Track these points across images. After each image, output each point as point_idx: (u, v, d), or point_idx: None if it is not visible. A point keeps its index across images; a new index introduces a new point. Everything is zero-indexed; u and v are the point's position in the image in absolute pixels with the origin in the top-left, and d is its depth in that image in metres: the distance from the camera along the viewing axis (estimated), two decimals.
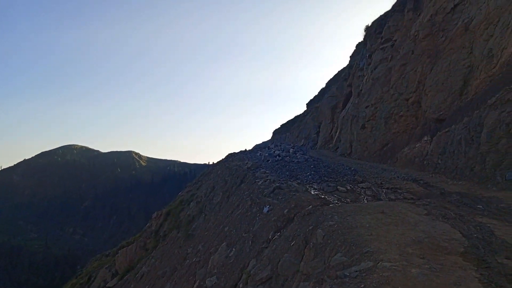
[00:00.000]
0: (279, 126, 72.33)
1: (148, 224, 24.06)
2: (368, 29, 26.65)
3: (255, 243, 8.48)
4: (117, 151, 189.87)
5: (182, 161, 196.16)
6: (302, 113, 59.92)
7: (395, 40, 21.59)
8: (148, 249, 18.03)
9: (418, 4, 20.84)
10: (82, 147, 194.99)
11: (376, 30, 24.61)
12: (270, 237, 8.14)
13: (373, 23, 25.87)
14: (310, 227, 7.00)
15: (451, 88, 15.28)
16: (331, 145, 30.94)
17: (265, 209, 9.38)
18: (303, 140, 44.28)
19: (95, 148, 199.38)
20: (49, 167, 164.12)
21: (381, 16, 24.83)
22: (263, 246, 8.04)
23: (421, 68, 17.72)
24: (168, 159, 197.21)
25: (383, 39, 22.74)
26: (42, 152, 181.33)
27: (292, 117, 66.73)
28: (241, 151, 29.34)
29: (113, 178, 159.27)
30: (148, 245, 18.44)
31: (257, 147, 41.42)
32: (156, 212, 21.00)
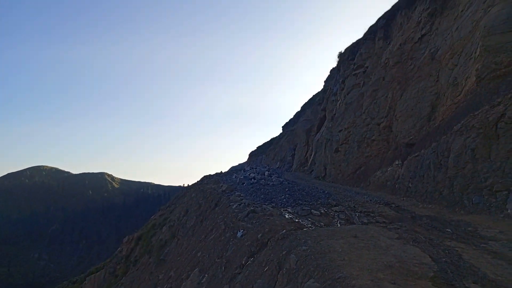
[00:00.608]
0: (256, 148, 72.59)
1: (119, 249, 23.19)
2: (341, 55, 27.54)
3: (228, 268, 8.28)
4: (89, 173, 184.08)
5: (156, 183, 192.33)
6: (278, 136, 60.54)
7: (367, 67, 22.38)
8: (117, 276, 17.27)
9: (388, 33, 21.81)
10: (52, 168, 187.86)
11: (349, 57, 25.46)
12: (243, 262, 7.98)
13: (346, 50, 26.80)
14: (284, 252, 6.92)
15: (420, 114, 15.85)
16: (306, 167, 31.21)
17: (239, 234, 9.23)
18: (278, 162, 44.49)
19: (66, 169, 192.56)
20: (15, 189, 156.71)
21: (353, 43, 25.76)
22: (236, 272, 7.86)
23: (392, 94, 18.36)
24: (142, 181, 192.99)
25: (356, 66, 23.52)
26: (8, 173, 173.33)
27: (268, 139, 67.27)
28: (216, 174, 29.19)
29: (83, 201, 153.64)
30: (118, 271, 17.68)
31: (233, 169, 41.27)
32: (128, 237, 20.30)
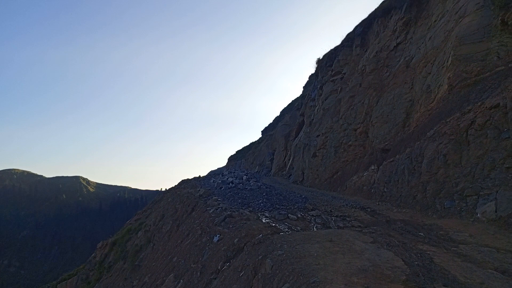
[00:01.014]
0: (235, 153, 72.29)
1: (93, 255, 22.56)
2: (319, 62, 27.92)
3: (204, 274, 8.17)
4: (63, 176, 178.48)
5: (133, 187, 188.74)
6: (257, 140, 60.53)
7: (344, 73, 22.75)
8: (90, 282, 16.74)
9: (365, 41, 22.26)
10: (23, 171, 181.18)
11: (327, 63, 25.82)
12: (219, 267, 7.89)
13: (324, 56, 27.19)
14: (260, 257, 6.88)
15: (395, 120, 16.21)
16: (284, 172, 31.33)
17: (215, 239, 9.13)
18: (257, 167, 44.47)
19: (39, 173, 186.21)
20: None
21: (331, 50, 26.17)
22: (212, 277, 7.77)
23: (368, 100, 18.71)
24: (119, 185, 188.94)
25: (333, 72, 23.86)
26: None
27: (247, 144, 67.18)
28: (194, 178, 28.91)
29: (57, 205, 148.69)
30: (91, 277, 17.15)
31: (211, 174, 40.95)
32: (102, 242, 19.75)
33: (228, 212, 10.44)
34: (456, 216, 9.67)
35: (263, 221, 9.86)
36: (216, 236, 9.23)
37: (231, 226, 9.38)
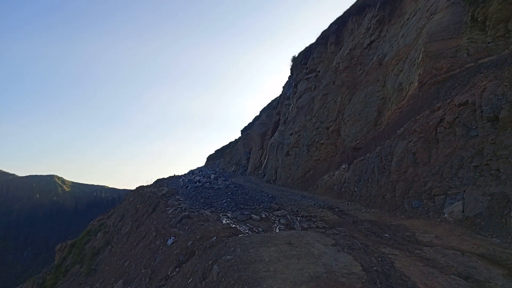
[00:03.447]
0: (214, 152, 71.42)
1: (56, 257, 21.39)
2: (295, 59, 27.50)
3: (152, 280, 7.49)
4: (36, 175, 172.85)
5: (110, 186, 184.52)
6: (236, 140, 59.89)
7: (319, 71, 22.39)
8: (45, 287, 15.69)
9: (340, 38, 21.97)
10: None
11: (302, 61, 25.43)
12: (169, 273, 7.23)
13: (300, 54, 26.79)
14: (210, 262, 6.27)
15: (367, 118, 15.89)
16: (260, 171, 30.81)
17: (169, 241, 8.45)
18: (234, 166, 43.80)
19: (11, 172, 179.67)
20: None
21: (306, 48, 25.79)
22: (161, 283, 7.10)
23: (341, 98, 18.37)
24: (96, 184, 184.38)
25: (308, 70, 23.49)
26: None
27: (226, 143, 66.44)
28: (169, 177, 28.04)
29: (30, 205, 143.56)
30: (46, 282, 16.07)
31: (190, 173, 40.01)
32: (60, 244, 18.62)
33: (186, 213, 9.75)
34: (424, 216, 9.33)
35: (223, 222, 9.24)
36: (170, 238, 8.55)
37: (187, 227, 8.71)
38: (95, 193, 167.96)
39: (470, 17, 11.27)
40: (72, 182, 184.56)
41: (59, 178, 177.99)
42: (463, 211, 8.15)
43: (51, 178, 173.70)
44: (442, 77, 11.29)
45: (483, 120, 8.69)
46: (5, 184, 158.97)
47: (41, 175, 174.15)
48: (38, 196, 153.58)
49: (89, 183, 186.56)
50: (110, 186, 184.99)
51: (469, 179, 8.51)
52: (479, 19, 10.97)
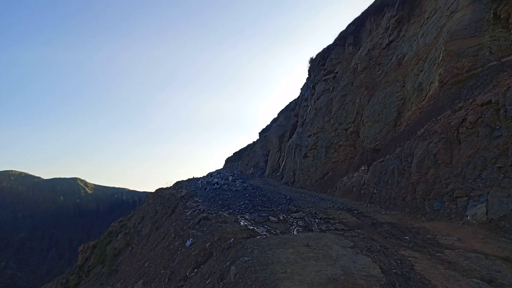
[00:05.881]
0: (232, 154, 71.71)
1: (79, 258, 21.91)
2: (312, 61, 27.39)
3: (171, 280, 7.59)
4: (60, 178, 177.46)
5: (131, 188, 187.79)
6: (254, 142, 59.97)
7: (337, 72, 22.23)
8: (69, 287, 16.12)
9: (358, 39, 21.77)
10: (21, 173, 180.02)
11: (320, 62, 25.30)
12: (187, 274, 7.32)
13: (317, 55, 26.67)
14: (228, 263, 6.32)
15: (386, 119, 15.67)
16: (277, 173, 30.76)
17: (188, 242, 8.55)
18: (252, 168, 43.87)
19: (36, 175, 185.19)
20: None
21: (324, 49, 25.65)
22: (179, 284, 7.19)
23: (360, 99, 18.18)
24: (117, 186, 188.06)
25: (326, 71, 23.35)
26: None
27: (245, 145, 66.59)
28: (188, 179, 28.30)
29: (54, 207, 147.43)
30: (70, 282, 16.51)
31: (209, 175, 40.32)
32: (83, 245, 19.10)
33: (204, 214, 9.85)
34: (446, 219, 9.12)
35: (241, 223, 9.29)
36: (189, 240, 8.65)
37: (205, 229, 8.80)
38: (116, 196, 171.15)
39: (492, 15, 10.98)
40: (94, 184, 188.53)
41: (81, 180, 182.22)
42: (486, 213, 7.93)
43: (74, 181, 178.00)
44: (464, 76, 11.03)
45: (507, 119, 8.44)
46: (31, 186, 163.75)
47: (64, 178, 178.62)
48: (62, 198, 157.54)
49: (110, 185, 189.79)
50: (130, 189, 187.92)
51: (493, 180, 8.27)
52: (502, 16, 10.68)
